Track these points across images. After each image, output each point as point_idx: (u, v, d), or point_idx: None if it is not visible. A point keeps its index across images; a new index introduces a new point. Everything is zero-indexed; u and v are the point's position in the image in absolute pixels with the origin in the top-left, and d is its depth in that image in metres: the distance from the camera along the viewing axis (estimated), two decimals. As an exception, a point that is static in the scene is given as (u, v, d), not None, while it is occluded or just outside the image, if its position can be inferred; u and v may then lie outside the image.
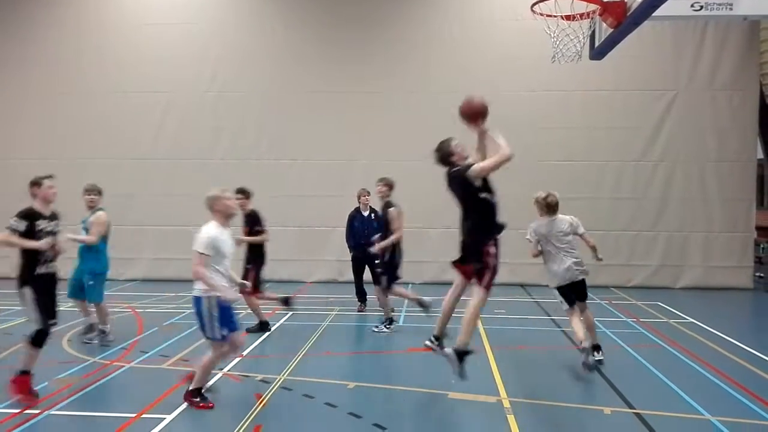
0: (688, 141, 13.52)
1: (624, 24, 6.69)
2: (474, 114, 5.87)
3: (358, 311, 10.60)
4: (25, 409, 5.80)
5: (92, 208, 8.25)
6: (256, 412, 5.86)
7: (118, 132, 14.25)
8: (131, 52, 14.31)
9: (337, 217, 12.03)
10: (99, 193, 8.34)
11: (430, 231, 13.43)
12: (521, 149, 13.33)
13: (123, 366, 7.31)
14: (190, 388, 6.01)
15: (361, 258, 10.24)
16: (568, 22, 7.02)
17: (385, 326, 9.22)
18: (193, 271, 5.73)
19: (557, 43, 7.16)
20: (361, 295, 10.65)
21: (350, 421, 5.66)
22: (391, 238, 9.09)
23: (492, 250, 5.79)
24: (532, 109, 13.54)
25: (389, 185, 9.33)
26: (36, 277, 6.06)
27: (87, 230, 8.19)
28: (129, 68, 14.30)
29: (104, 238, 8.28)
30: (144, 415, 5.69)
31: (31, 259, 6.05)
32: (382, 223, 10.38)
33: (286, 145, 14.06)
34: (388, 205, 9.22)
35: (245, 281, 7.97)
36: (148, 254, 14.20)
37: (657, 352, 8.17)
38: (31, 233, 6.01)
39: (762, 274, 13.96)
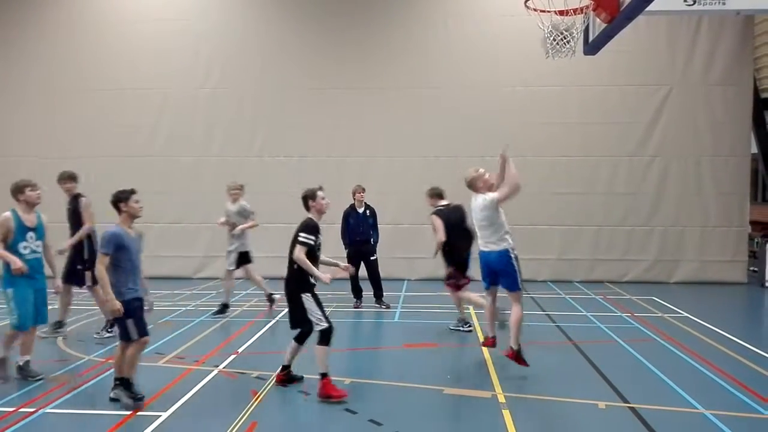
0: (682, 136, 13.52)
1: (617, 19, 6.68)
2: None
3: (355, 308, 10.61)
4: (20, 407, 5.80)
5: None
6: (251, 408, 5.87)
7: (115, 129, 14.17)
8: (127, 48, 14.24)
9: (331, 214, 11.98)
10: None
11: (424, 227, 13.37)
12: (516, 145, 13.59)
13: (119, 364, 7.30)
14: (514, 347, 6.77)
15: (356, 255, 10.42)
16: (562, 17, 7.02)
17: (106, 330, 8.50)
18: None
19: (551, 38, 7.15)
20: (357, 292, 10.68)
21: (346, 417, 5.68)
22: (85, 228, 8.49)
23: None
24: (527, 104, 13.53)
25: (72, 177, 8.72)
26: (311, 285, 6.32)
27: None
28: (125, 64, 14.23)
29: None
30: (140, 413, 5.70)
31: (304, 271, 6.24)
32: (375, 221, 10.53)
33: (281, 142, 14.02)
34: (78, 195, 8.63)
35: None
36: (144, 252, 14.13)
37: (651, 346, 8.20)
38: (314, 248, 6.30)
39: (756, 269, 13.99)
